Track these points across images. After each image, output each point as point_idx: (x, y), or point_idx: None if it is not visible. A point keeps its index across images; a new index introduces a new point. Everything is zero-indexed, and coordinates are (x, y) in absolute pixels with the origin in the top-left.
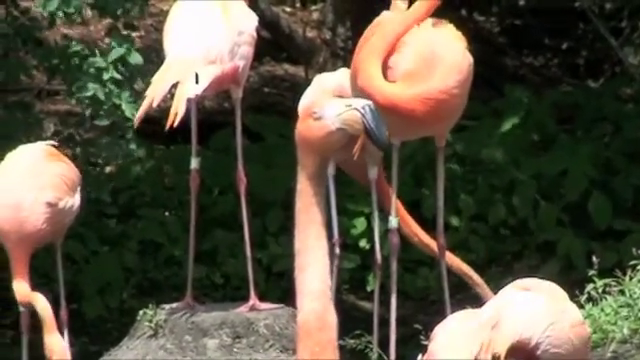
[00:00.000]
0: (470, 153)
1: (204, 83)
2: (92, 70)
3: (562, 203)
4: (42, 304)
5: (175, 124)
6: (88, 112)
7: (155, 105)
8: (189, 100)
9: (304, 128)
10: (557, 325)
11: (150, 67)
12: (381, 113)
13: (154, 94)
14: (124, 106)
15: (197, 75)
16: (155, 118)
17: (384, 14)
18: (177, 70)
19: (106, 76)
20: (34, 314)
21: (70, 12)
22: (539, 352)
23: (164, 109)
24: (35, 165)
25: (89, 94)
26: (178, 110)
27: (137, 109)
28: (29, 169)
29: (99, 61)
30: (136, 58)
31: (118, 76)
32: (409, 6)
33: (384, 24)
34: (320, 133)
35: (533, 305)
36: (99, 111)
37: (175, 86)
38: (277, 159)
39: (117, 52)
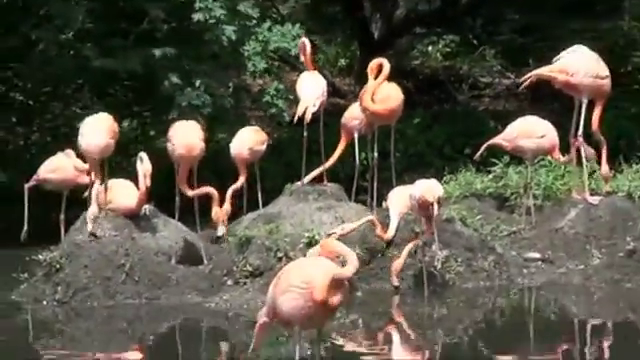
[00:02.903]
0: None
1: (317, 106)
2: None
3: None
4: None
5: (306, 117)
6: None
7: (308, 119)
8: (311, 112)
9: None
10: None
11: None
12: (370, 115)
13: (301, 111)
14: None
15: (314, 104)
16: None
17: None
18: (307, 101)
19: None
20: None
21: None
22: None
23: None
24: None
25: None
26: (306, 113)
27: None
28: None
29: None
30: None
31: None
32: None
33: (367, 88)
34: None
35: None
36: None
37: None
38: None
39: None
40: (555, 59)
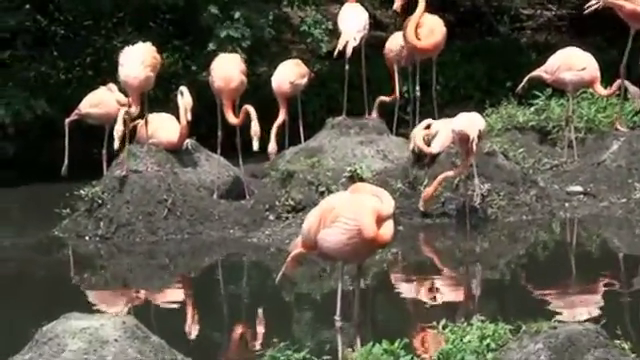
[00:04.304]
0: None
1: (358, 40)
2: None
3: None
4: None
5: (347, 51)
6: None
7: (349, 53)
8: (353, 46)
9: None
10: None
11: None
12: (415, 48)
13: (342, 45)
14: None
15: (355, 37)
16: None
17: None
18: (349, 34)
19: None
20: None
21: None
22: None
23: None
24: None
25: None
26: (347, 47)
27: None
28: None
29: None
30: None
31: None
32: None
33: (409, 23)
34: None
35: None
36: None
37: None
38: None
39: None
40: None
